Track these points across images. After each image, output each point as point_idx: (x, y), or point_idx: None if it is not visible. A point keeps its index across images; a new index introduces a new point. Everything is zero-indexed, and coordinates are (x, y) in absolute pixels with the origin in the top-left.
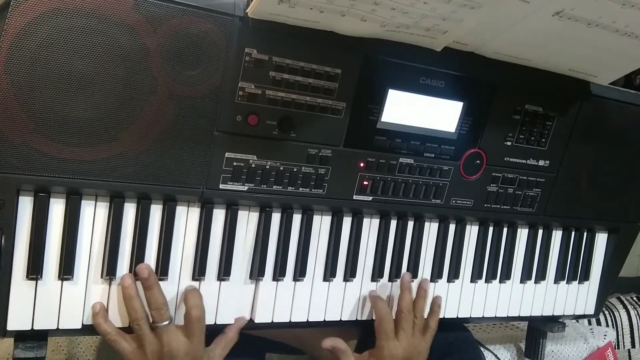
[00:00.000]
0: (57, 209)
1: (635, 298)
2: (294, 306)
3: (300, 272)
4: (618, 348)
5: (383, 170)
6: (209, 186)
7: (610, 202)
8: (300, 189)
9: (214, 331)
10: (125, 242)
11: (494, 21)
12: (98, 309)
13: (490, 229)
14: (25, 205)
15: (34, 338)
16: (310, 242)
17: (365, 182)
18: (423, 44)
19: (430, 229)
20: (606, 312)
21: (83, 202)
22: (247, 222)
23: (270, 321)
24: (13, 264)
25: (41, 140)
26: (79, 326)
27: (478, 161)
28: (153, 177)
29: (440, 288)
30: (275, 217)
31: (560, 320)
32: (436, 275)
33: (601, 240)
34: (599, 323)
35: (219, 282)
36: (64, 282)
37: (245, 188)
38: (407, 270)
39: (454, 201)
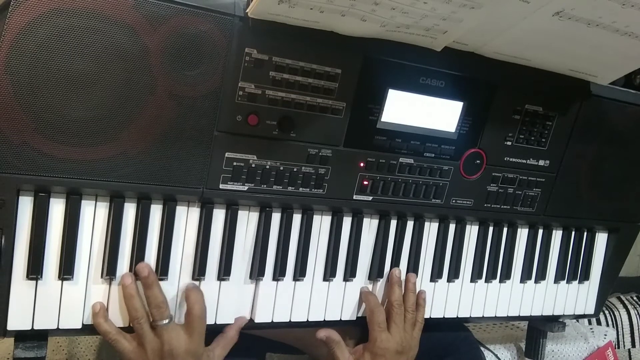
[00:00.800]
0: (57, 209)
1: (635, 298)
2: (294, 306)
3: (300, 272)
4: (618, 348)
5: (383, 170)
6: (209, 186)
7: (610, 202)
8: (300, 188)
9: (214, 331)
10: (125, 242)
11: (494, 21)
12: (98, 309)
13: (490, 229)
14: (25, 205)
15: (34, 338)
16: (310, 242)
17: (365, 182)
18: (423, 44)
19: (430, 229)
20: (606, 312)
21: (83, 202)
22: (247, 222)
23: (270, 321)
24: (13, 264)
25: (41, 140)
26: (79, 326)
27: (478, 161)
28: (153, 177)
29: (440, 288)
30: (275, 217)
31: (561, 320)
32: (436, 275)
33: (601, 240)
34: (599, 323)
35: (219, 282)
36: (64, 282)
37: (245, 188)
38: (407, 270)
39: (454, 201)
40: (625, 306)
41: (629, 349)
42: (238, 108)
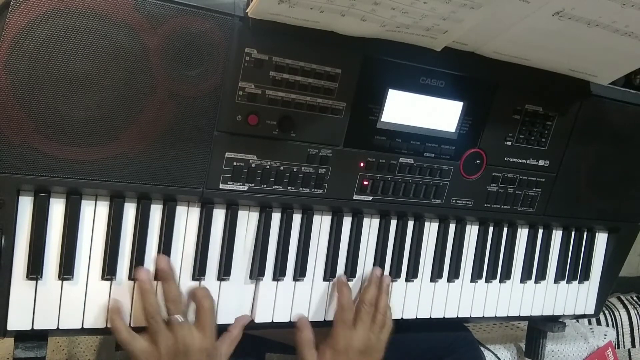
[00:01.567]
0: (57, 209)
1: (635, 298)
2: (294, 306)
3: (300, 272)
4: (618, 348)
5: (383, 170)
6: (209, 186)
7: (610, 202)
8: (300, 188)
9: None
10: (125, 242)
11: (494, 21)
12: (113, 307)
13: (490, 229)
14: (25, 205)
15: (34, 338)
16: (310, 242)
17: (365, 182)
18: (423, 43)
19: (430, 229)
20: (606, 312)
21: (83, 202)
22: (247, 222)
23: (270, 321)
24: (13, 264)
25: (41, 140)
26: (79, 326)
27: (478, 161)
28: (153, 177)
29: (440, 288)
30: (275, 217)
31: (561, 320)
32: (436, 275)
33: (601, 240)
34: (599, 323)
35: (219, 282)
36: (64, 282)
37: (245, 188)
38: (407, 270)
39: (454, 201)
40: (625, 306)
41: (629, 349)
42: (238, 108)
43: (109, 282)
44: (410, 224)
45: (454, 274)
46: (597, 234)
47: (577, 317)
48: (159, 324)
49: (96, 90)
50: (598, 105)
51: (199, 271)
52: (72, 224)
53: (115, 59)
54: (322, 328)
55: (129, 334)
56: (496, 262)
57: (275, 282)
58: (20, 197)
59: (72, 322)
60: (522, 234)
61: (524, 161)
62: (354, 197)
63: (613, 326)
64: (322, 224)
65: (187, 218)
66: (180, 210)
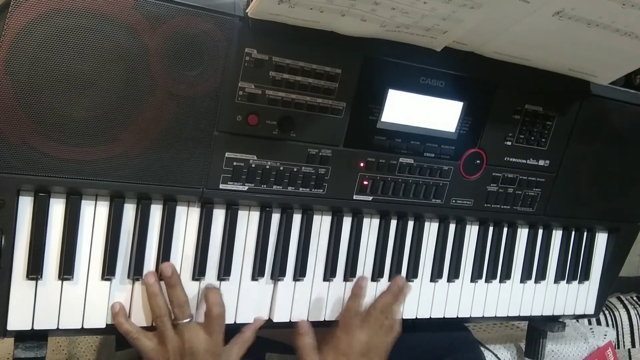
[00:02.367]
0: (57, 209)
1: (635, 298)
2: (294, 306)
3: (300, 272)
4: (618, 348)
5: (383, 170)
6: (209, 186)
7: (610, 202)
8: (300, 189)
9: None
10: (125, 242)
11: (494, 21)
12: (118, 309)
13: (490, 229)
14: (25, 205)
15: (34, 338)
16: (310, 242)
17: (365, 182)
18: (423, 44)
19: (430, 229)
20: (606, 312)
21: (83, 202)
22: (248, 222)
23: (270, 321)
24: (13, 264)
25: (41, 140)
26: (79, 326)
27: (478, 161)
28: (153, 177)
29: (440, 288)
30: (275, 217)
31: (561, 320)
32: (436, 275)
33: (601, 240)
34: (599, 323)
35: (218, 282)
36: (64, 282)
37: (245, 188)
38: (407, 270)
39: (454, 201)
40: (625, 306)
41: (628, 349)
42: (238, 108)
43: (108, 282)
44: (410, 224)
45: (453, 274)
46: (597, 234)
47: (577, 317)
48: (166, 325)
49: (96, 90)
50: (598, 105)
51: (199, 271)
52: (72, 224)
53: (115, 59)
54: (322, 328)
55: (138, 333)
56: (496, 262)
57: (275, 282)
58: (20, 197)
59: (72, 322)
60: (522, 234)
61: (524, 161)
62: (354, 197)
63: (613, 326)
64: (322, 224)
65: (187, 218)
66: (180, 210)
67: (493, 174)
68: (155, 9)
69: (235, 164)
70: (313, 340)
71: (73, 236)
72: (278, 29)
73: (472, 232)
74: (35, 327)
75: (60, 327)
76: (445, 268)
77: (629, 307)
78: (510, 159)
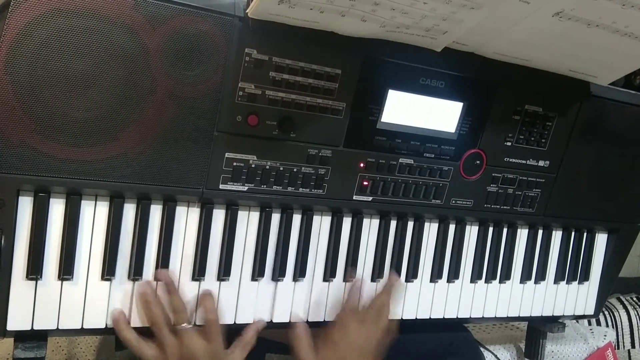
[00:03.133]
0: (57, 209)
1: (635, 298)
2: (293, 306)
3: (300, 273)
4: (618, 348)
5: (383, 170)
6: (209, 186)
7: (610, 202)
8: (300, 189)
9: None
10: (125, 243)
11: (494, 21)
12: (118, 316)
13: (490, 229)
14: (25, 205)
15: (34, 338)
16: (310, 243)
17: (365, 183)
18: (423, 44)
19: (430, 229)
20: (606, 313)
21: (83, 202)
22: (247, 222)
23: (269, 321)
24: (13, 264)
25: (41, 140)
26: (79, 326)
27: (478, 161)
28: (153, 177)
29: (440, 288)
30: (275, 218)
31: (560, 320)
32: (436, 275)
33: (601, 240)
34: (598, 323)
35: (218, 282)
36: (64, 282)
37: (245, 188)
38: (407, 270)
39: (453, 201)
40: (625, 307)
41: (628, 350)
42: (238, 108)
43: (108, 283)
44: (410, 224)
45: (453, 275)
46: (597, 234)
47: (577, 318)
48: (163, 332)
49: (96, 90)
50: (598, 106)
51: (198, 271)
52: (72, 224)
53: (115, 59)
54: (322, 329)
55: (138, 342)
56: (496, 263)
57: (275, 283)
58: (20, 197)
59: (72, 322)
60: (522, 234)
61: (524, 162)
62: (354, 198)
63: (613, 327)
64: (322, 224)
65: (187, 218)
66: (180, 211)
67: (493, 174)
68: (155, 9)
69: (235, 164)
70: (310, 342)
71: (73, 236)
72: (278, 29)
73: (472, 232)
74: (35, 327)
75: (60, 327)
76: (445, 268)
77: (629, 307)
78: (510, 160)
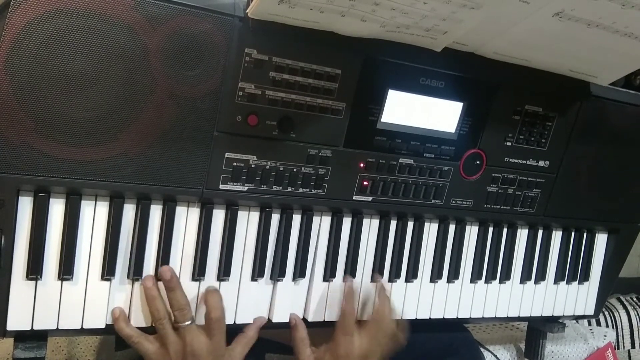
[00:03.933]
0: (57, 209)
1: (635, 298)
2: (293, 306)
3: (300, 273)
4: (618, 349)
5: (383, 170)
6: (208, 186)
7: (610, 203)
8: (300, 189)
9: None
10: (125, 243)
11: (494, 22)
12: (118, 314)
13: (490, 230)
14: (25, 205)
15: (34, 338)
16: (310, 243)
17: (365, 183)
18: (423, 44)
19: (430, 230)
20: (606, 313)
21: (83, 202)
22: (247, 222)
23: (269, 321)
24: (13, 264)
25: (41, 140)
26: (79, 326)
27: (478, 161)
28: (153, 177)
29: (440, 288)
30: (275, 218)
31: (560, 320)
32: (436, 275)
33: (601, 240)
34: (598, 324)
35: (218, 282)
36: (64, 282)
37: (245, 188)
38: (407, 270)
39: (453, 201)
40: (625, 307)
41: (628, 350)
42: (238, 108)
43: (108, 283)
44: (410, 224)
45: (453, 275)
46: (597, 234)
47: (577, 318)
48: (166, 328)
49: (96, 90)
50: (598, 106)
51: (198, 271)
52: (72, 224)
53: (115, 59)
54: (322, 329)
55: (140, 337)
56: (496, 263)
57: (275, 283)
58: (20, 197)
59: (72, 322)
60: (522, 234)
61: (524, 162)
62: (354, 198)
63: (613, 327)
64: (321, 224)
65: (187, 218)
66: (180, 211)
67: (493, 174)
68: (155, 9)
69: (235, 164)
70: (305, 333)
71: (73, 236)
72: (278, 29)
73: (471, 232)
74: (35, 327)
75: (59, 328)
76: (445, 268)
77: (629, 308)
78: (510, 160)
